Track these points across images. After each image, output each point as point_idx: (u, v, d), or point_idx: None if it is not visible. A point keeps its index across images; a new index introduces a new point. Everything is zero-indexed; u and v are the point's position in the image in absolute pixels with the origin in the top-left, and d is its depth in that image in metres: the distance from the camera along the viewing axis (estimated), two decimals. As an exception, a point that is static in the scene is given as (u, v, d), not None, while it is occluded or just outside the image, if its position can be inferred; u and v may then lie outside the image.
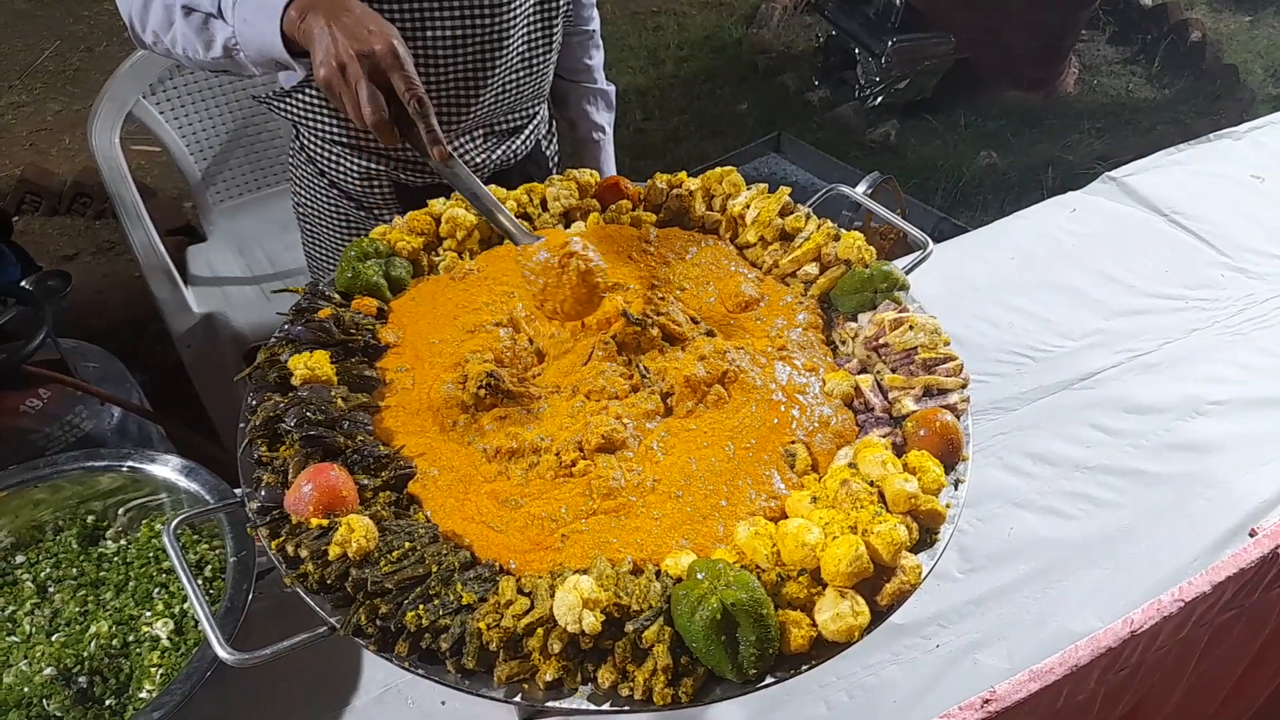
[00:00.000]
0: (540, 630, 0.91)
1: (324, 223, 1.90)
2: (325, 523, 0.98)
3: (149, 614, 1.33)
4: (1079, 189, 2.35)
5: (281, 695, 1.28)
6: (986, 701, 1.26)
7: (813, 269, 1.39)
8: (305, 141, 1.81)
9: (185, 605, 1.34)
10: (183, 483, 1.39)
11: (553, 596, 0.92)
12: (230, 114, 2.74)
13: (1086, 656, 1.32)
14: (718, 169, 1.51)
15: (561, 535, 1.04)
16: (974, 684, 1.32)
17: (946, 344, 1.24)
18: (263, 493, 1.03)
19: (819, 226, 1.42)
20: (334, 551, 0.95)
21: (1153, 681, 1.52)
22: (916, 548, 1.02)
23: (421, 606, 0.92)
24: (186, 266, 2.79)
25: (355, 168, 1.74)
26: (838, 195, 1.64)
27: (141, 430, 2.27)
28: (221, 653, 0.92)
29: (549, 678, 0.90)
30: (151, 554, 1.41)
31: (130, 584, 1.38)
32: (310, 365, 1.16)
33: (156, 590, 1.37)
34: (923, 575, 0.98)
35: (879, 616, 0.95)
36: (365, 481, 1.06)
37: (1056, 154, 4.52)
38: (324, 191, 1.84)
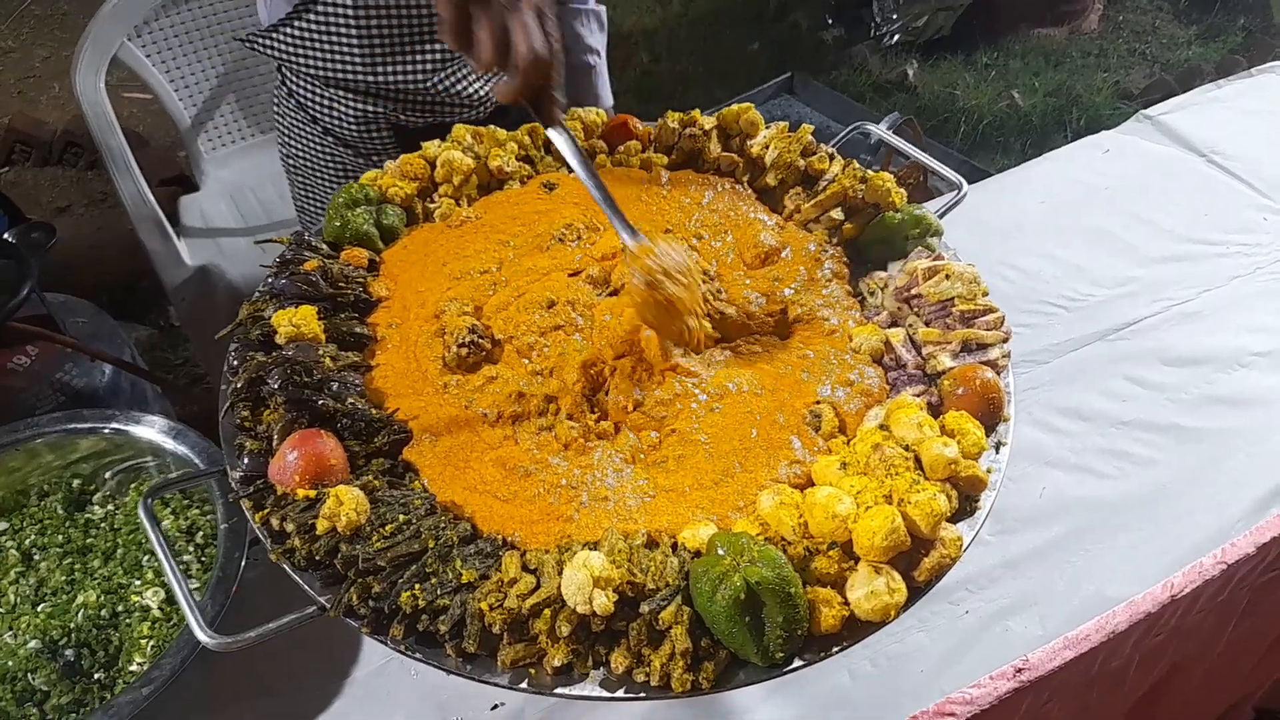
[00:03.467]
0: (547, 611, 0.83)
1: (317, 174, 1.79)
2: (313, 494, 0.91)
3: (138, 583, 1.28)
4: (1111, 129, 2.22)
5: (278, 668, 1.23)
6: (1019, 670, 1.21)
7: (838, 214, 1.29)
8: (293, 86, 1.69)
9: (177, 574, 1.28)
10: (169, 445, 1.33)
11: (560, 574, 0.85)
12: (221, 56, 2.61)
13: (1124, 622, 1.26)
14: (734, 106, 1.41)
15: (579, 504, 0.96)
16: (1005, 652, 1.25)
17: (985, 294, 1.14)
18: (245, 461, 0.96)
19: (844, 168, 1.32)
20: (322, 525, 0.88)
21: (1188, 646, 1.46)
22: (955, 517, 0.94)
23: (417, 586, 0.85)
24: (179, 218, 2.69)
25: (350, 110, 1.64)
26: (856, 137, 1.53)
27: (135, 388, 2.20)
28: (202, 636, 0.85)
29: (557, 662, 0.83)
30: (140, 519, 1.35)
31: (119, 551, 1.32)
32: (295, 322, 1.07)
33: (146, 558, 1.31)
34: (963, 547, 0.90)
35: (916, 593, 0.88)
36: (356, 448, 0.99)
37: (1080, 94, 4.35)
38: (317, 140, 1.73)
